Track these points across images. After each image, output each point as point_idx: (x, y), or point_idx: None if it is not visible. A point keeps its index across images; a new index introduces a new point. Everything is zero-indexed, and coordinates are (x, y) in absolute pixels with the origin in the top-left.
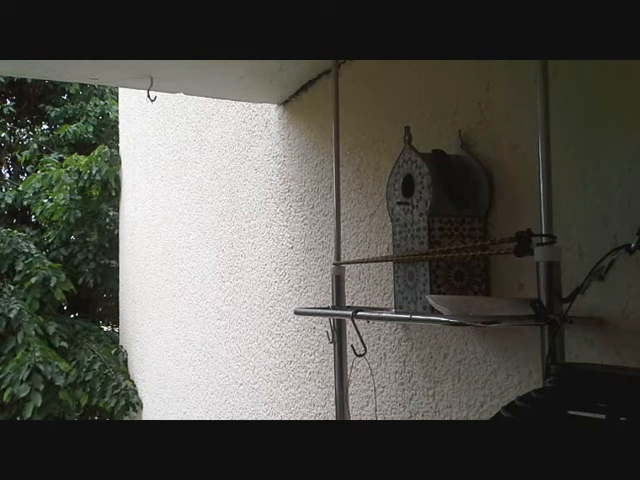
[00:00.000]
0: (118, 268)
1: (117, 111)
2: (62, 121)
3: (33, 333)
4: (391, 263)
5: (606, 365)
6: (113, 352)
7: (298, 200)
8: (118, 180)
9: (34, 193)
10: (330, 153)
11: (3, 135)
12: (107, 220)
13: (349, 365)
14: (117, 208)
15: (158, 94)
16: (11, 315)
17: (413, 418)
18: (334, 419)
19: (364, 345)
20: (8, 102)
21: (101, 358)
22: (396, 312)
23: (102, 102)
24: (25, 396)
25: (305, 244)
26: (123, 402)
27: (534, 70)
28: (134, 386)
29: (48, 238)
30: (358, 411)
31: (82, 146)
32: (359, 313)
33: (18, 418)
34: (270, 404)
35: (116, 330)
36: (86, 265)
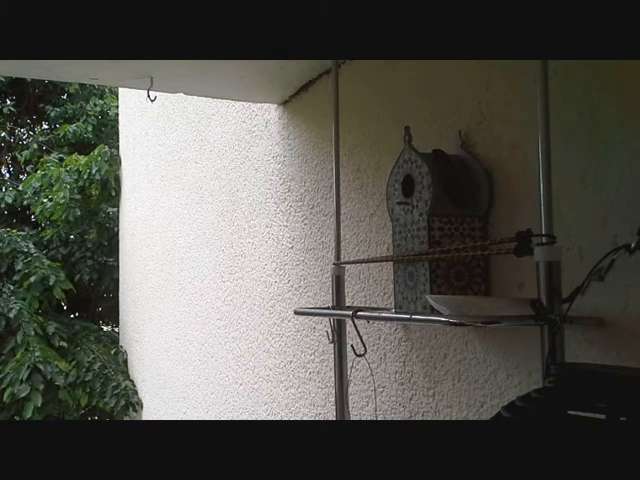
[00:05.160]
0: (115, 266)
1: (117, 107)
2: (62, 121)
3: (33, 333)
4: (391, 263)
5: (606, 365)
6: (113, 352)
7: (298, 200)
8: (118, 180)
9: (34, 193)
10: (330, 153)
11: (3, 135)
12: (106, 219)
13: (349, 365)
14: (116, 207)
15: (158, 94)
16: (11, 315)
17: (413, 418)
18: (334, 419)
19: (364, 345)
20: (8, 102)
21: (101, 358)
22: (396, 312)
23: (102, 102)
24: (25, 396)
25: (305, 244)
26: (123, 402)
27: (534, 70)
28: (134, 386)
29: (46, 236)
30: (358, 411)
31: (82, 146)
32: (359, 313)
33: (17, 418)
34: (270, 404)
35: (116, 330)
36: (84, 263)
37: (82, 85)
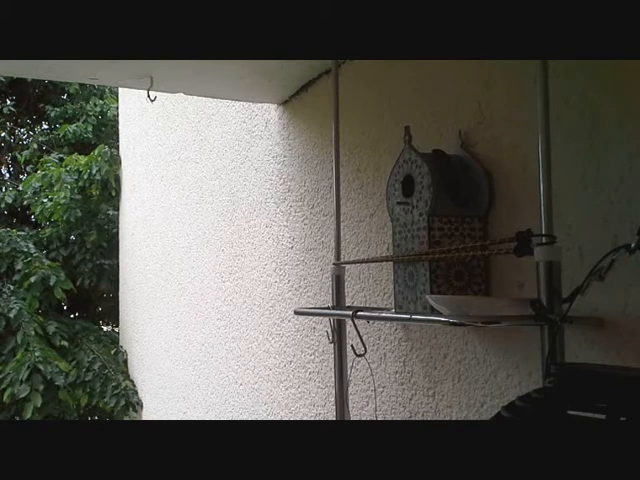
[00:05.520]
0: (112, 269)
1: (117, 108)
2: (62, 121)
3: (33, 333)
4: (391, 263)
5: (606, 365)
6: (113, 352)
7: (298, 200)
8: (118, 180)
9: (34, 193)
10: (330, 153)
11: (3, 135)
12: (105, 220)
13: (349, 365)
14: (116, 207)
15: (158, 94)
16: (11, 315)
17: (413, 418)
18: (334, 419)
19: (364, 345)
20: (8, 102)
21: (101, 358)
22: (396, 312)
23: (102, 102)
24: (25, 396)
25: (305, 244)
26: (123, 402)
27: (534, 70)
28: (134, 386)
29: (46, 234)
30: (358, 411)
31: (82, 146)
32: (359, 313)
33: (17, 418)
34: (270, 404)
35: (116, 330)
36: (84, 266)
37: (82, 85)
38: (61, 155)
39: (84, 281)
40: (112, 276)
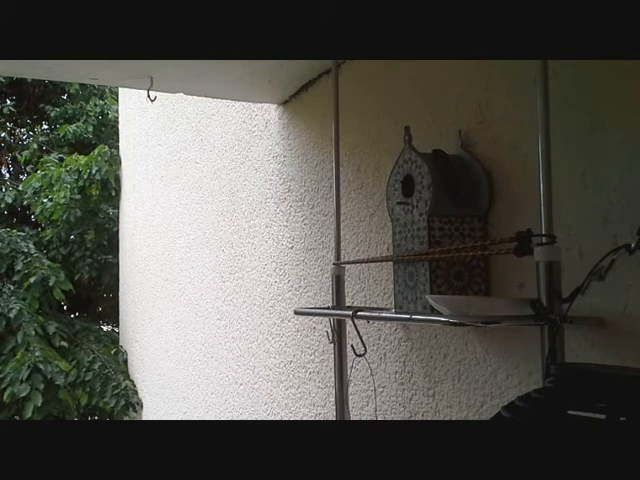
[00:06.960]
0: (114, 263)
1: (117, 111)
2: (62, 121)
3: (33, 333)
4: (391, 263)
5: (606, 365)
6: (113, 352)
7: (298, 200)
8: (118, 180)
9: (34, 193)
10: (330, 153)
11: (3, 135)
12: (106, 219)
13: (349, 365)
14: (116, 207)
15: (158, 94)
16: (11, 315)
17: (413, 418)
18: (334, 419)
19: (364, 345)
20: (8, 102)
21: (101, 358)
22: (396, 312)
23: (102, 102)
24: (25, 395)
25: (305, 244)
26: (123, 402)
27: (534, 70)
28: (134, 386)
29: (47, 236)
30: (358, 411)
31: (82, 146)
32: (359, 313)
33: (17, 418)
34: (270, 404)
35: (116, 330)
36: (83, 261)
37: (82, 85)
38: (61, 155)
39: (83, 276)
40: (114, 271)
